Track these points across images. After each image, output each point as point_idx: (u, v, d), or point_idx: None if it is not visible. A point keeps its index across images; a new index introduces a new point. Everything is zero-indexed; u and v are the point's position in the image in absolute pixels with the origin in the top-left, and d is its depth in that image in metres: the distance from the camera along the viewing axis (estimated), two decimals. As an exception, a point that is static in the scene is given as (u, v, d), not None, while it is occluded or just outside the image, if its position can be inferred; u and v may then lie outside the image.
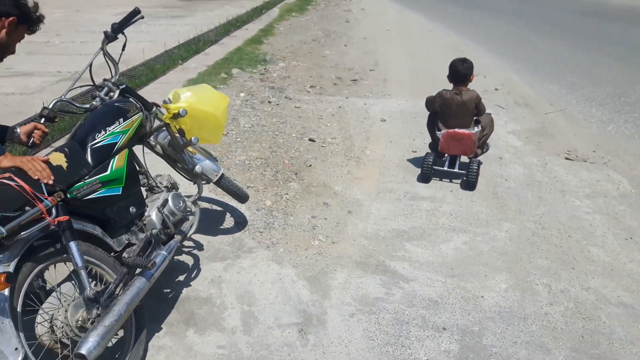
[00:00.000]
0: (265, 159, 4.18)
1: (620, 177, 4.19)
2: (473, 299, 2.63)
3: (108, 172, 2.14)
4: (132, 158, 2.35)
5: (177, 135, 2.55)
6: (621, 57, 8.18)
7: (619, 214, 3.59)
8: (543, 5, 16.21)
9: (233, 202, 3.50)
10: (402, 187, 3.92)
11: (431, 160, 3.97)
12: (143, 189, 2.51)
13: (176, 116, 2.42)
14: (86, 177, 2.06)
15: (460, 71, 3.98)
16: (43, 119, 2.24)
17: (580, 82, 6.92)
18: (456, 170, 4.01)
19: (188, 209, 2.59)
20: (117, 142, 2.22)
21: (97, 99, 2.42)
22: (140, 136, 2.52)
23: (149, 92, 5.93)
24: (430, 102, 4.11)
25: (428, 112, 4.18)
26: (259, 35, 10.67)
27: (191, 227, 2.59)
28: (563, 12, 13.65)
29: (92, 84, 2.54)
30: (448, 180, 4.05)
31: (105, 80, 2.54)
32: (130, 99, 2.48)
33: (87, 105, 2.38)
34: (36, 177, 1.84)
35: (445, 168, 4.01)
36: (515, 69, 7.94)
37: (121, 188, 2.19)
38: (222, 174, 2.89)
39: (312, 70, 7.95)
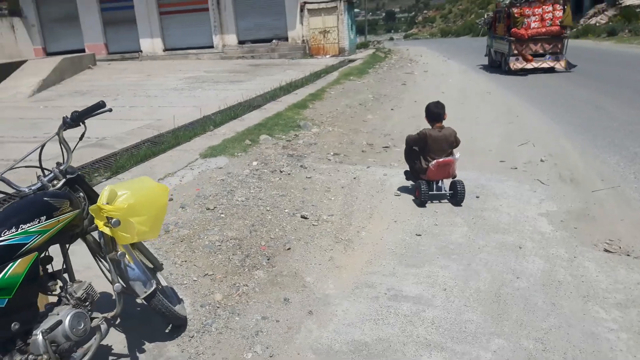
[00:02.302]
0: (240, 240, 3.81)
1: (672, 280, 3.31)
2: None
3: None
4: (39, 263, 2.04)
5: (105, 242, 2.34)
6: None
7: (658, 334, 2.76)
8: (623, 66, 14.96)
9: (180, 292, 3.13)
10: (387, 282, 3.35)
11: (426, 188, 4.64)
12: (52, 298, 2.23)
13: (108, 223, 2.18)
14: None
15: (435, 112, 4.76)
16: None
17: (646, 153, 5.97)
18: (443, 192, 4.76)
19: (92, 331, 2.24)
20: (26, 243, 1.94)
21: (34, 186, 2.21)
22: (80, 231, 2.31)
23: (161, 160, 5.89)
24: (414, 141, 4.83)
25: (405, 147, 4.97)
26: (306, 99, 10.64)
27: (84, 355, 2.18)
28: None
29: (39, 166, 2.34)
30: (437, 201, 4.73)
31: (57, 165, 2.33)
32: (74, 193, 2.31)
33: (24, 188, 2.17)
34: None
35: (435, 191, 4.75)
36: (570, 136, 7.10)
37: (7, 300, 1.87)
38: (155, 291, 2.50)
39: (344, 137, 7.63)
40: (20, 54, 24.23)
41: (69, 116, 2.37)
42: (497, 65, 16.32)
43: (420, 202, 4.69)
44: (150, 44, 25.72)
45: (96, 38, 25.66)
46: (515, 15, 14.17)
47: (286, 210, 4.42)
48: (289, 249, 3.75)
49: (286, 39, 24.27)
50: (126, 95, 11.84)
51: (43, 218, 2.01)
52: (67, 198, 2.17)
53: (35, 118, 9.41)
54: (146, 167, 5.66)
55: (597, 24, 28.25)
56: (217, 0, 24.34)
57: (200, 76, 15.63)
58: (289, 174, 5.50)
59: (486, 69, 16.73)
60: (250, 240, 3.84)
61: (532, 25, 14.05)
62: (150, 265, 2.77)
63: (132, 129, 7.68)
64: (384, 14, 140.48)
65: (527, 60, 14.11)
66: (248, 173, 5.38)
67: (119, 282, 2.40)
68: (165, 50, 25.58)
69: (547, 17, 14.03)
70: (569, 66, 14.10)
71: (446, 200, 4.78)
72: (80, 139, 2.42)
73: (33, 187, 2.18)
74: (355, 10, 36.23)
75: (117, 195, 2.24)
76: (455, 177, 4.80)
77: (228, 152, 6.12)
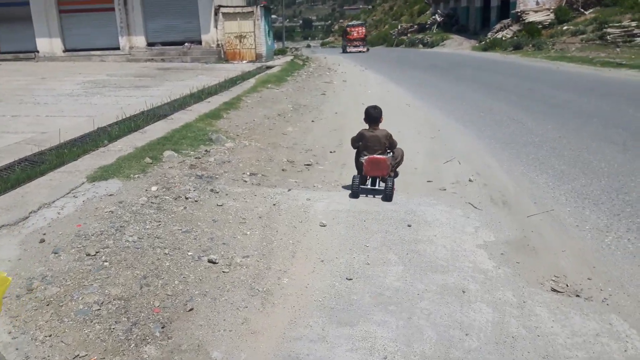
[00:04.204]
0: (126, 301, 2.97)
1: (628, 327, 2.97)
2: None
3: None
4: None
5: None
6: (616, 141, 7.18)
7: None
8: (532, 80, 15.62)
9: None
10: (315, 351, 2.69)
11: (358, 180, 5.12)
12: None
13: None
14: None
15: (372, 115, 5.24)
16: None
17: (571, 172, 5.85)
18: (377, 187, 5.15)
19: None
20: None
21: None
22: None
23: (38, 186, 4.83)
24: (354, 141, 5.37)
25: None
26: (219, 108, 9.80)
27: None
28: (562, 89, 12.90)
29: None
30: (372, 196, 5.09)
31: None
32: None
33: None
34: None
35: (368, 186, 5.16)
36: (494, 152, 6.92)
37: None
38: None
39: (262, 152, 6.93)
40: None
41: None
42: (345, 51, 39.59)
43: (352, 193, 5.14)
44: (49, 44, 23.41)
45: (-18, 35, 22.90)
46: (348, 31, 41.66)
47: (190, 253, 3.63)
48: (191, 309, 2.98)
49: (199, 42, 23.09)
50: (10, 102, 10.28)
51: None
52: None
53: None
54: (17, 195, 4.59)
55: (504, 38, 29.82)
56: (123, 0, 22.61)
57: (101, 80, 14.16)
58: (196, 201, 4.69)
59: (402, 80, 16.77)
60: (140, 299, 3.01)
61: (354, 35, 40.91)
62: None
63: (8, 145, 6.43)
64: (301, 22, 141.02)
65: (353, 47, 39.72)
66: (145, 202, 4.50)
67: None
68: (66, 51, 23.41)
69: (359, 33, 41.13)
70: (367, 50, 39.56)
71: (379, 197, 5.09)
72: None
73: None
74: (273, 16, 35.64)
75: None
76: (390, 176, 5.20)
77: (122, 174, 5.18)
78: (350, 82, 16.71)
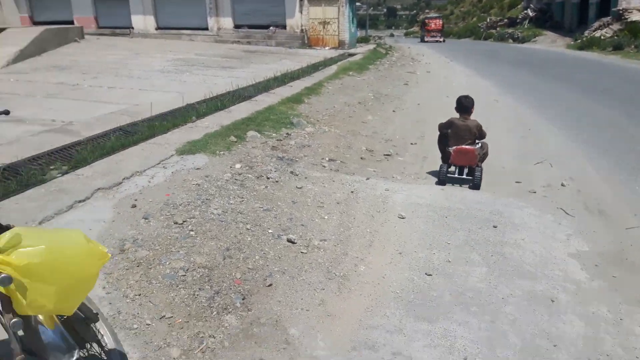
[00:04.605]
0: (210, 270, 3.06)
1: None
2: None
3: None
4: None
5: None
6: None
7: None
8: (633, 82, 14.38)
9: (128, 341, 2.39)
10: (392, 342, 2.63)
11: (445, 169, 5.25)
12: None
13: None
14: None
15: (464, 104, 5.27)
16: None
17: (679, 184, 5.32)
18: (464, 176, 5.23)
19: None
20: None
21: None
22: None
23: (131, 154, 5.10)
24: (443, 127, 5.41)
25: (439, 135, 5.54)
26: (301, 93, 9.85)
27: None
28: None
29: None
30: (459, 185, 5.23)
31: None
32: None
33: None
34: None
35: (456, 175, 5.27)
36: (590, 157, 6.43)
37: None
38: None
39: (341, 139, 6.90)
40: (4, 21, 22.99)
41: None
42: (423, 40, 41.04)
43: (439, 181, 5.27)
44: (142, 21, 24.63)
45: (86, 11, 24.48)
46: (426, 22, 43.10)
47: (270, 231, 3.68)
48: (270, 285, 3.02)
49: (284, 26, 23.36)
50: (107, 75, 10.94)
51: None
52: None
53: (0, 92, 8.53)
54: (112, 162, 4.87)
55: (602, 37, 27.69)
56: (214, -19, 23.34)
57: (190, 59, 14.73)
58: (276, 181, 4.75)
59: (491, 74, 16.04)
60: (223, 270, 3.09)
61: (432, 26, 41.37)
62: (81, 316, 2.03)
63: (105, 114, 6.84)
64: (385, 10, 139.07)
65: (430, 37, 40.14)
66: (229, 178, 4.61)
67: (20, 353, 1.66)
68: (158, 28, 24.52)
69: (436, 25, 41.60)
70: (444, 40, 40.31)
71: (466, 186, 5.19)
72: None
73: None
74: (357, 3, 35.36)
75: (21, 244, 1.49)
76: (479, 165, 5.25)
77: (209, 150, 5.35)
78: (434, 73, 16.25)
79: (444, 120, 5.47)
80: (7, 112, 1.70)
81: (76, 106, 7.37)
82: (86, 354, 2.04)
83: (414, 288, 3.18)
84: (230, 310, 2.74)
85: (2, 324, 1.76)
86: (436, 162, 5.84)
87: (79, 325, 2.02)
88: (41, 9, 24.98)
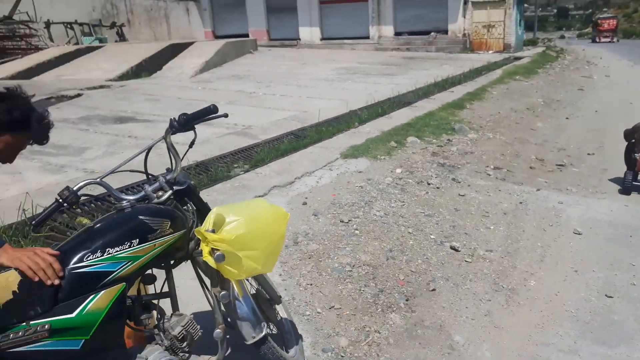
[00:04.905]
0: (374, 268, 3.18)
1: None
2: None
3: (73, 314, 1.47)
4: (125, 296, 1.62)
5: (210, 273, 1.92)
6: None
7: None
8: None
9: (301, 326, 2.61)
10: (565, 362, 2.46)
11: (630, 177, 4.89)
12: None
13: (212, 254, 1.74)
14: (31, 319, 1.43)
15: None
16: (62, 204, 1.62)
17: None
18: None
19: None
20: (113, 272, 1.55)
21: (136, 195, 1.81)
22: (184, 255, 1.87)
23: (301, 156, 5.51)
24: (627, 134, 5.08)
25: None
26: (463, 99, 9.61)
27: None
28: None
29: (144, 171, 1.94)
30: None
31: (166, 171, 1.93)
32: (182, 207, 1.90)
33: (126, 197, 1.78)
34: (36, 279, 1.44)
35: None
36: None
37: (83, 341, 1.49)
38: (265, 337, 2.02)
39: (507, 146, 6.57)
40: (192, 35, 26.46)
41: (176, 119, 1.90)
42: (595, 41, 41.46)
43: (623, 189, 4.97)
44: (309, 33, 26.23)
45: (259, 24, 26.92)
46: (599, 23, 44.03)
47: (432, 236, 3.68)
48: (433, 289, 3.03)
49: (445, 31, 22.91)
50: (278, 83, 11.92)
51: (135, 241, 1.60)
52: (168, 217, 1.73)
53: (191, 99, 9.81)
54: (285, 163, 5.32)
55: None
56: (377, -9, 23.88)
57: (352, 67, 15.29)
58: (437, 187, 4.73)
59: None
60: (387, 269, 3.19)
61: (605, 27, 42.42)
62: (267, 297, 2.29)
63: (278, 120, 7.49)
64: (555, 10, 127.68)
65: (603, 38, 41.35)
66: (390, 182, 4.72)
67: (222, 323, 1.94)
68: (322, 39, 25.89)
69: (609, 25, 42.57)
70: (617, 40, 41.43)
71: None
72: (190, 146, 1.96)
73: (133, 198, 1.78)
74: (524, 5, 33.11)
75: (225, 222, 1.76)
76: None
77: (370, 154, 5.53)
78: (614, 77, 14.51)
79: (629, 128, 5.12)
80: (226, 115, 2.00)
81: (253, 112, 8.18)
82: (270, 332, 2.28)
83: (592, 309, 2.92)
84: (394, 309, 2.83)
85: (208, 297, 2.07)
86: (618, 175, 5.25)
87: (265, 304, 2.27)
88: (222, 23, 28.16)
